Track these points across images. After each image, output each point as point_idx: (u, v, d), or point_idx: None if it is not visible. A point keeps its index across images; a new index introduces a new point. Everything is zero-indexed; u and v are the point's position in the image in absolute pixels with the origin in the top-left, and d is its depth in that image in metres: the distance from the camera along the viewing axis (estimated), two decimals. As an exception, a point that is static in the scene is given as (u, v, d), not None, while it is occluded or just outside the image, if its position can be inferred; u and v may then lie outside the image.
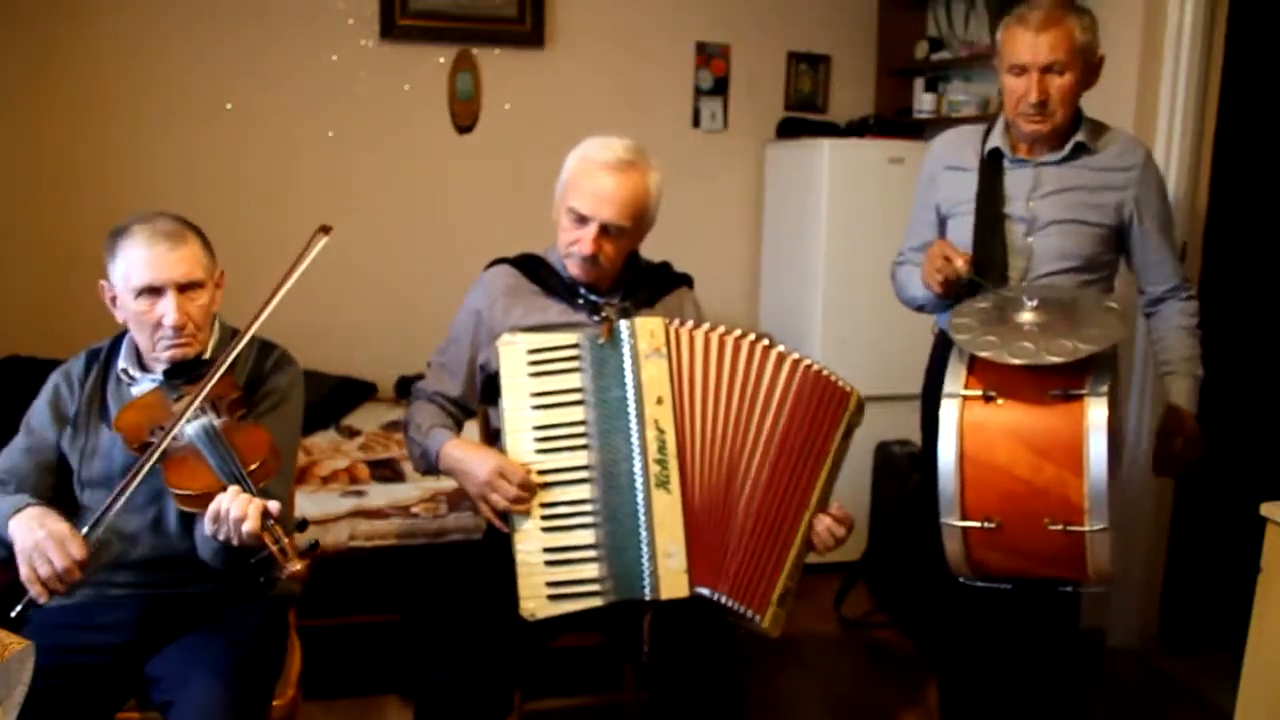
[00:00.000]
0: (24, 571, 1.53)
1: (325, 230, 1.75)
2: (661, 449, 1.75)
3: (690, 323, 1.83)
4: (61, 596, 1.57)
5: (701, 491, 1.77)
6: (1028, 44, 1.97)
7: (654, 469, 1.75)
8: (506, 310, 1.96)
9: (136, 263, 1.71)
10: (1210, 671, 2.87)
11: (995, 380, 1.76)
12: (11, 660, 1.33)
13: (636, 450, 1.75)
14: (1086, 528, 1.68)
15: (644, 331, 1.79)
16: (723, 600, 1.75)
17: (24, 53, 3.40)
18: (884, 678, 2.97)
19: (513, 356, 1.80)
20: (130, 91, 3.50)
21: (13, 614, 1.53)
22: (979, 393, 1.76)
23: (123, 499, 1.58)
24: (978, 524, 1.74)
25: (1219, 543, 2.94)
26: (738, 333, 1.82)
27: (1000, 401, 1.75)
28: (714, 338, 1.81)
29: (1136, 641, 3.10)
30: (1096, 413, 1.68)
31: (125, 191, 3.47)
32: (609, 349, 1.79)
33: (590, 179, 1.88)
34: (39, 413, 1.82)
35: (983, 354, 1.73)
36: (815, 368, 1.82)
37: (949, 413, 1.77)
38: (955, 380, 1.79)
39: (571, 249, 1.91)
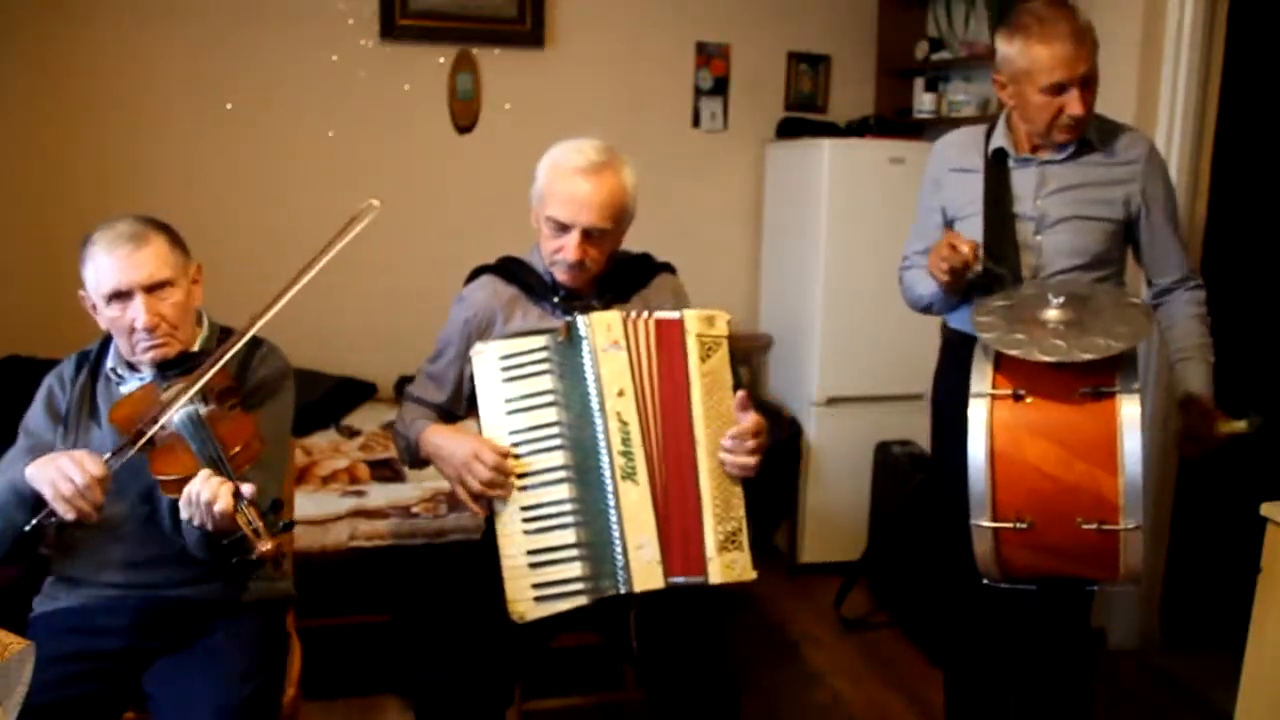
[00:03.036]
0: (48, 493, 1.54)
1: (371, 206, 1.75)
2: (625, 441, 1.76)
3: (646, 313, 1.82)
4: (86, 523, 1.57)
5: (667, 479, 1.77)
6: (1065, 60, 1.91)
7: (619, 462, 1.75)
8: (492, 318, 1.97)
9: (103, 269, 1.71)
10: (1210, 671, 2.86)
11: (1024, 379, 1.74)
12: (11, 660, 1.32)
13: (602, 445, 1.76)
14: (1121, 526, 1.67)
15: (600, 326, 1.79)
16: (675, 582, 1.74)
17: (24, 53, 3.40)
18: (884, 678, 2.97)
19: (485, 365, 1.81)
20: (130, 91, 3.50)
21: (27, 527, 1.56)
22: (1008, 392, 1.74)
23: (132, 450, 1.60)
24: (1009, 524, 1.73)
25: (1219, 543, 2.94)
26: (660, 313, 1.83)
27: (1029, 400, 1.73)
28: (649, 320, 1.81)
29: (1136, 641, 3.10)
30: (1130, 410, 1.67)
31: (125, 191, 3.47)
32: (568, 347, 1.79)
33: (565, 185, 1.87)
34: (35, 415, 1.82)
35: (1012, 352, 1.72)
36: (655, 316, 1.81)
37: (978, 413, 1.75)
38: (982, 379, 1.78)
39: (556, 257, 1.90)
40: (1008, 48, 1.98)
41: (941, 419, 2.26)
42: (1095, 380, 1.70)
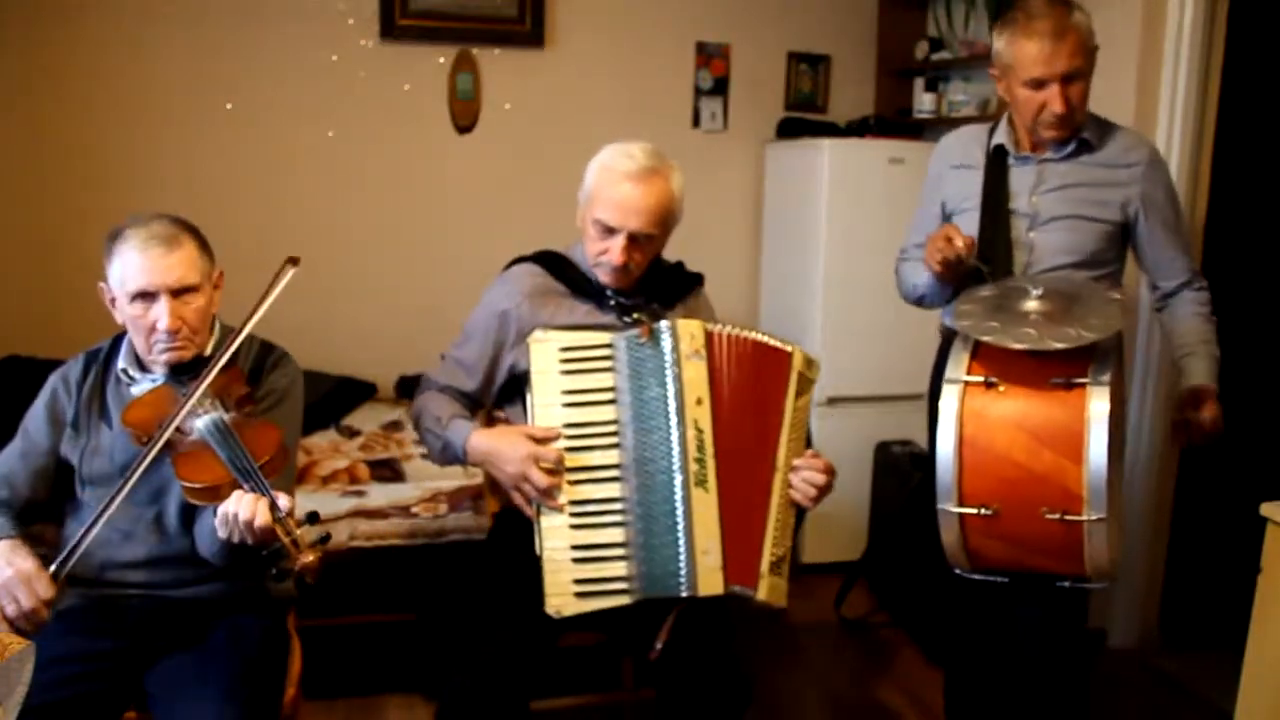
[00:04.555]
0: None
1: (293, 261, 1.75)
2: (700, 448, 1.77)
3: (724, 326, 1.84)
4: (31, 634, 1.55)
5: (734, 489, 1.78)
6: (1043, 56, 1.93)
7: (693, 468, 1.76)
8: (535, 310, 1.96)
9: (131, 267, 1.71)
10: (1210, 671, 2.86)
11: (997, 367, 1.76)
12: (11, 660, 1.32)
13: (676, 449, 1.76)
14: (1084, 517, 1.68)
15: (685, 333, 1.80)
16: (733, 589, 1.75)
17: (24, 52, 3.40)
18: (884, 678, 2.97)
19: (544, 354, 1.80)
20: (130, 91, 3.50)
21: None
22: (980, 379, 1.76)
23: (117, 501, 1.58)
24: (974, 510, 1.74)
25: (1219, 543, 2.94)
26: (758, 334, 1.85)
27: (1002, 388, 1.75)
28: (747, 339, 1.84)
29: (1136, 641, 3.10)
30: (1098, 403, 1.68)
31: (125, 191, 3.47)
32: (649, 349, 1.80)
33: (614, 189, 1.88)
34: (35, 417, 1.82)
35: (985, 339, 1.74)
36: (753, 337, 1.84)
37: (950, 399, 1.77)
38: (957, 367, 1.80)
39: (601, 259, 1.92)
40: (998, 41, 2.03)
41: (936, 414, 2.27)
42: (1067, 371, 1.71)
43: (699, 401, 1.78)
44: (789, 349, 1.86)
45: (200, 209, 3.20)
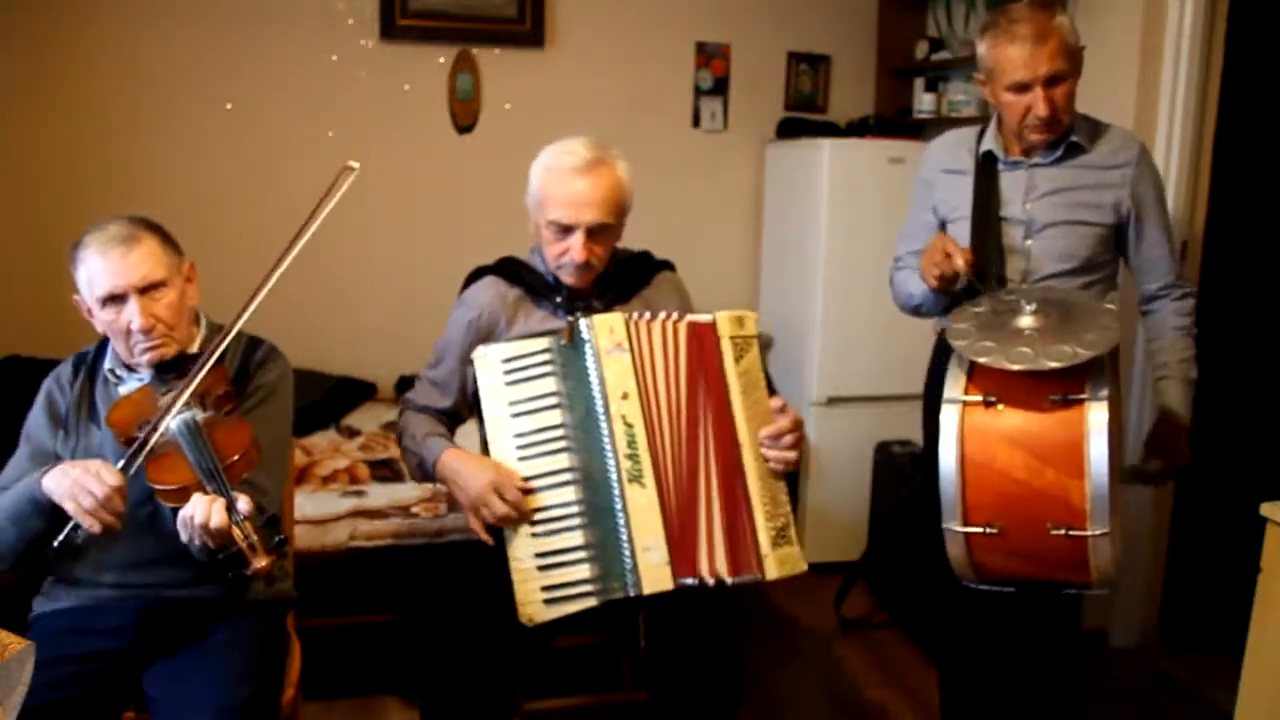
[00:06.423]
0: (70, 507, 1.53)
1: (350, 168, 1.74)
2: (631, 444, 1.75)
3: (648, 315, 1.81)
4: (106, 537, 1.57)
5: (674, 481, 1.77)
6: (1025, 60, 1.92)
7: (625, 465, 1.75)
8: (496, 321, 1.96)
9: (95, 273, 1.71)
10: (1210, 671, 2.87)
11: (995, 385, 1.75)
12: (11, 660, 1.32)
13: (608, 448, 1.75)
14: (1089, 532, 1.68)
15: (603, 329, 1.78)
16: (727, 582, 1.75)
17: (24, 52, 3.40)
18: (884, 678, 2.97)
19: (488, 368, 1.80)
20: (130, 91, 3.50)
21: (54, 543, 1.55)
22: (979, 398, 1.75)
23: (140, 458, 1.59)
24: (979, 529, 1.74)
25: (1219, 543, 2.94)
26: (676, 316, 1.82)
27: (1000, 407, 1.74)
28: (669, 325, 1.80)
29: (1137, 641, 3.10)
30: (1097, 416, 1.68)
31: (125, 191, 3.47)
32: (572, 350, 1.79)
33: (563, 187, 1.87)
34: (36, 421, 1.82)
35: (981, 360, 1.73)
36: (684, 319, 1.81)
37: (949, 419, 1.76)
38: (955, 386, 1.79)
39: (563, 260, 1.90)
40: (980, 46, 2.02)
41: (933, 419, 2.27)
42: (1064, 387, 1.71)
43: (625, 397, 1.76)
44: (709, 318, 1.81)
45: (200, 209, 3.19)
